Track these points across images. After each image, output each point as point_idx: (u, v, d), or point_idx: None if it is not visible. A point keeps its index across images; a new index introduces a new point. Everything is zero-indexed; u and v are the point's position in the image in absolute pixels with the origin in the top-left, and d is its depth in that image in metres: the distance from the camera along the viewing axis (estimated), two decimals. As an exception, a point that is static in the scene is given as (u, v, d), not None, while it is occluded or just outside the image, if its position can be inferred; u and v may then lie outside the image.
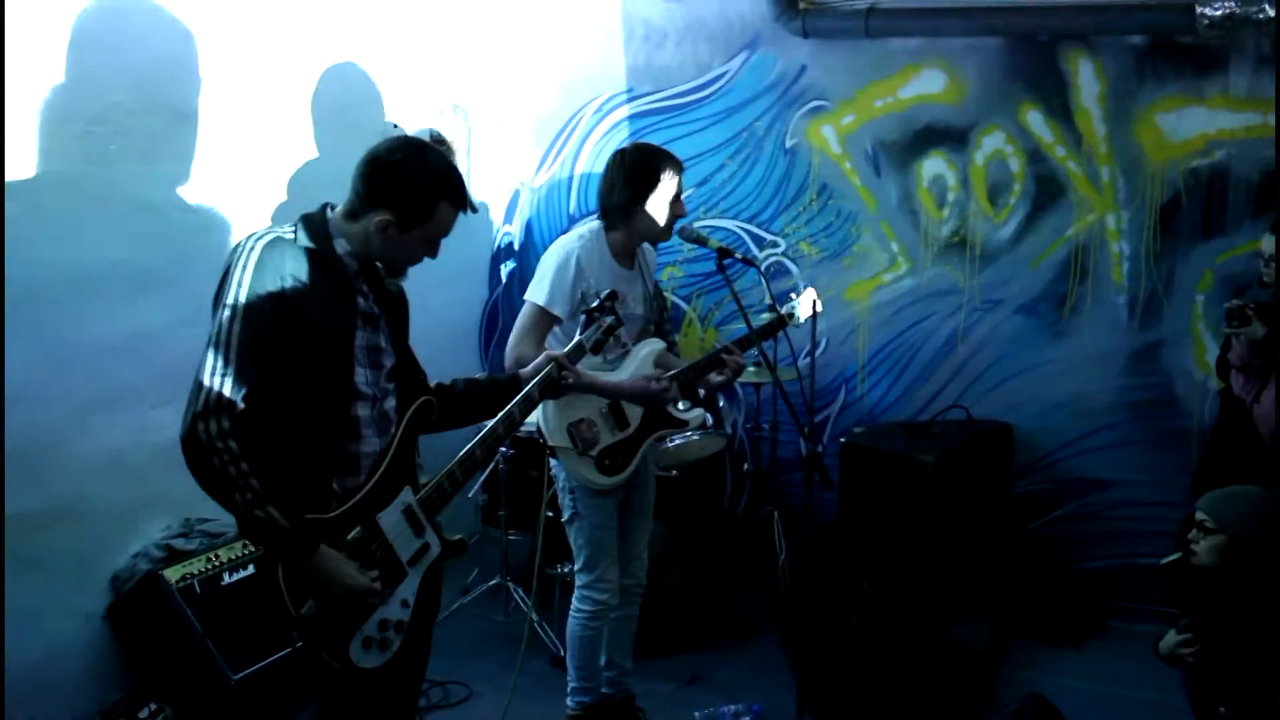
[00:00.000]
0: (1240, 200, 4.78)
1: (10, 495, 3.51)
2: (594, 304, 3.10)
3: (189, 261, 3.88)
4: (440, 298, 5.49)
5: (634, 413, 3.66)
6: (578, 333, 3.09)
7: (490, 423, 2.73)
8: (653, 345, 3.73)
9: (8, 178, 3.48)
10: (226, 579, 3.96)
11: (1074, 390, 5.18)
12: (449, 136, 5.65)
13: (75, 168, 3.71)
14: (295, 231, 2.47)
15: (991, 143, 5.22)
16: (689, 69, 5.81)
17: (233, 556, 4.02)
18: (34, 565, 3.63)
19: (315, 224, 2.50)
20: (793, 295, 4.09)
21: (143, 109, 3.91)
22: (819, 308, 4.10)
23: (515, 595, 5.02)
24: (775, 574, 5.17)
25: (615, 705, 3.90)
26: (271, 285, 2.34)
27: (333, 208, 2.56)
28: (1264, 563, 3.05)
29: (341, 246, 2.50)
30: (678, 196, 3.63)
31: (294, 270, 2.39)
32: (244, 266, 2.34)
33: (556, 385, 2.88)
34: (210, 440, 2.22)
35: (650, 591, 3.95)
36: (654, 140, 4.78)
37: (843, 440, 5.07)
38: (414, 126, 5.38)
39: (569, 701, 3.84)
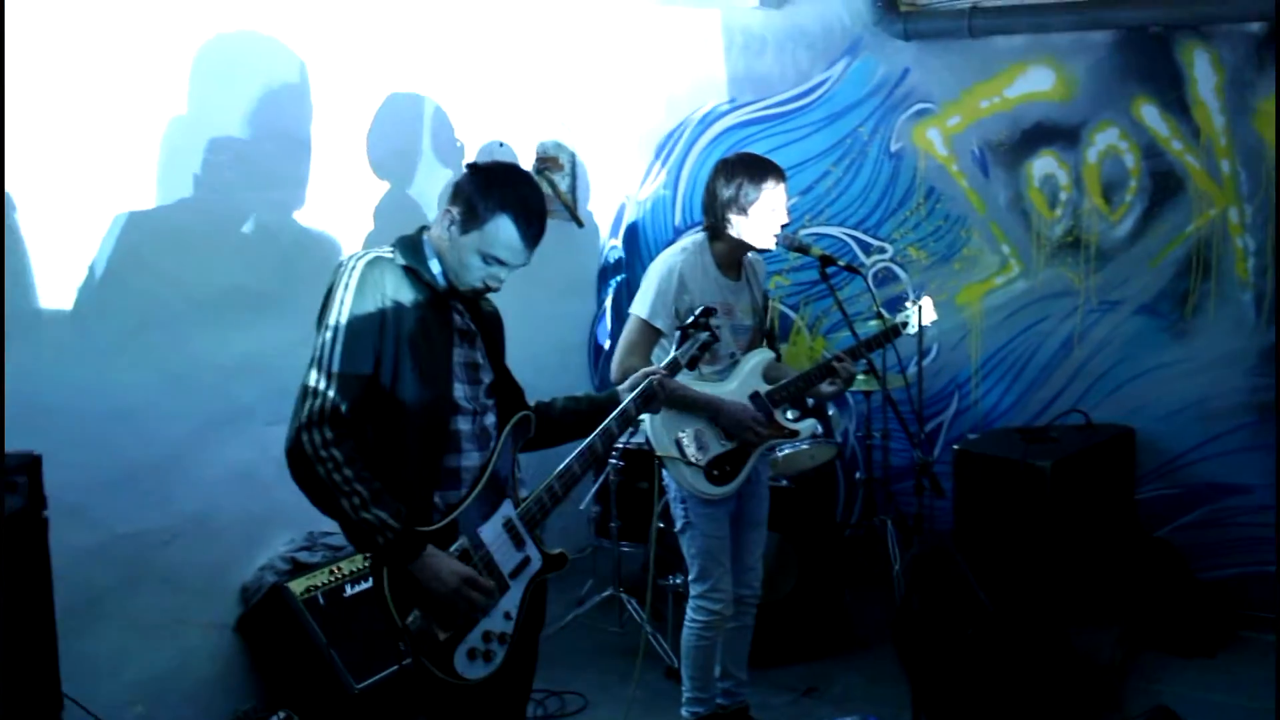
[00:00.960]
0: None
1: (140, 511, 3.68)
2: (689, 320, 3.10)
3: (303, 284, 3.94)
4: (549, 312, 5.56)
5: (741, 422, 3.64)
6: (673, 348, 3.09)
7: (589, 438, 2.76)
8: (761, 355, 3.72)
9: (133, 207, 3.64)
10: (348, 590, 4.05)
11: (1199, 392, 5.01)
12: (554, 154, 5.71)
13: (195, 195, 3.85)
14: (394, 251, 2.55)
15: (1105, 139, 5.10)
16: (790, 77, 5.80)
17: (354, 569, 4.11)
18: (165, 578, 3.78)
19: (411, 244, 2.58)
20: (907, 304, 3.98)
21: (258, 137, 4.04)
22: (933, 316, 4.01)
23: (629, 606, 5.03)
24: (889, 584, 5.11)
25: (730, 716, 3.89)
26: (372, 305, 2.42)
27: (427, 229, 2.62)
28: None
29: (435, 266, 2.56)
30: (781, 205, 3.61)
31: (393, 289, 2.46)
32: (346, 286, 2.43)
33: (652, 399, 2.88)
34: (315, 449, 2.31)
35: (764, 602, 3.93)
36: (757, 149, 4.77)
37: (955, 447, 4.98)
38: (522, 146, 5.46)
39: (684, 712, 3.83)
